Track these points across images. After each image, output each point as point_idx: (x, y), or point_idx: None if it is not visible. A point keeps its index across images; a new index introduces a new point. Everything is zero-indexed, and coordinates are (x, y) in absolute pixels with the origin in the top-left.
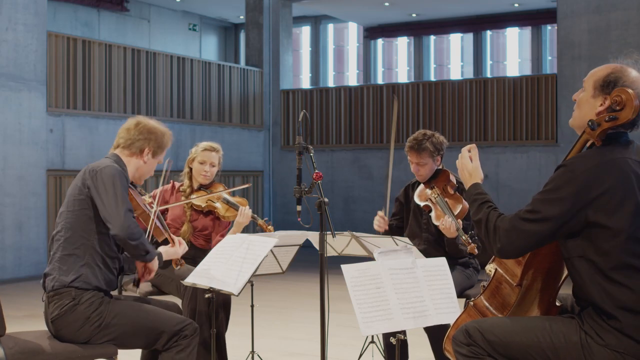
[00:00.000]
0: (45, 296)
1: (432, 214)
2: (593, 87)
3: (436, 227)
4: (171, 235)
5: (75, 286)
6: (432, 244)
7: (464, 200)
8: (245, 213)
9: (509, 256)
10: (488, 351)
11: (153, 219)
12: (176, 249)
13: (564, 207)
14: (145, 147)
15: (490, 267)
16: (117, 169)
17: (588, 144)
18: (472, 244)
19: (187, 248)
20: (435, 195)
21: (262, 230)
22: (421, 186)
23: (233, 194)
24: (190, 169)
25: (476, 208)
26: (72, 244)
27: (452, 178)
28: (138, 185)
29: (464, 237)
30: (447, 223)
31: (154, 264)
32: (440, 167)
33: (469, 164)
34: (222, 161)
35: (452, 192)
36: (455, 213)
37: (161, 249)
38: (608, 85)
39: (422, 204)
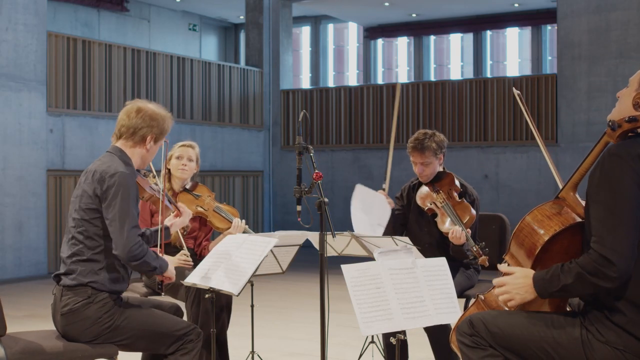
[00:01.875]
0: (57, 289)
1: (438, 219)
2: (638, 83)
3: (439, 231)
4: (177, 205)
5: (93, 286)
6: (435, 247)
7: (471, 208)
8: (239, 226)
9: (630, 268)
10: (490, 342)
11: (163, 201)
12: (183, 219)
13: (633, 195)
14: (148, 134)
15: (504, 266)
16: (125, 174)
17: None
18: (484, 256)
19: (191, 214)
20: (441, 201)
21: None
22: (424, 188)
23: (220, 200)
24: (169, 171)
25: (565, 276)
26: (90, 250)
27: (457, 182)
28: (141, 170)
29: (474, 249)
30: (457, 233)
31: (169, 272)
32: (442, 168)
33: (514, 278)
34: (200, 161)
35: (457, 197)
36: (464, 221)
37: (167, 221)
38: None
39: (425, 207)
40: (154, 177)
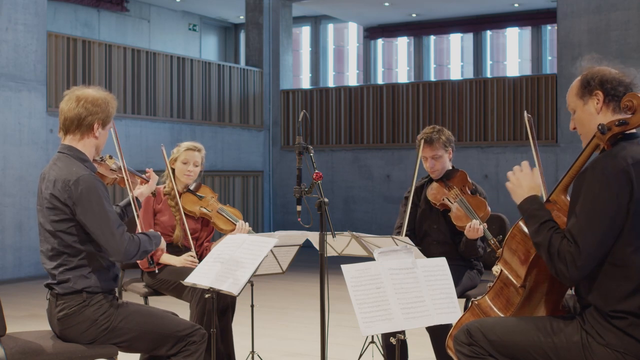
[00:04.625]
0: (51, 295)
1: (452, 214)
2: (578, 98)
3: (449, 227)
4: (142, 176)
5: (87, 291)
6: (443, 243)
7: (486, 204)
8: (243, 228)
9: (581, 279)
10: (489, 351)
11: (127, 179)
12: (150, 184)
13: (609, 213)
14: (94, 122)
15: (497, 268)
16: (88, 176)
17: (599, 150)
18: (501, 249)
19: (157, 178)
20: (455, 196)
21: None
22: (434, 184)
23: (224, 201)
24: (173, 170)
25: (536, 227)
26: (75, 257)
27: (469, 179)
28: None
29: (492, 241)
30: (475, 225)
31: (162, 244)
32: (452, 167)
33: (529, 177)
34: (204, 161)
35: (469, 193)
36: (480, 216)
37: (136, 191)
38: (588, 85)
39: (438, 202)
40: (110, 157)
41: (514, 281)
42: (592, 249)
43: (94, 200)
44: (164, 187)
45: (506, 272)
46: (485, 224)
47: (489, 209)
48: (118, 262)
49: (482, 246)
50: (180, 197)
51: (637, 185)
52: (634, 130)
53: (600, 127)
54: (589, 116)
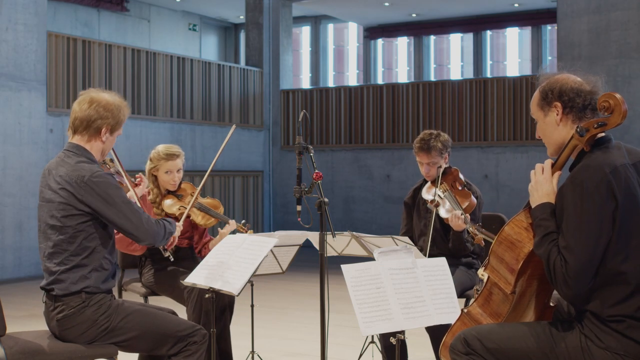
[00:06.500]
0: (47, 298)
1: (441, 209)
2: (539, 109)
3: (440, 224)
4: (132, 181)
5: (86, 291)
6: (438, 241)
7: (472, 196)
8: (233, 226)
9: (578, 297)
10: (488, 359)
11: (127, 182)
12: (140, 188)
13: (594, 228)
14: (103, 127)
15: (482, 272)
16: (101, 173)
17: (576, 150)
18: (480, 235)
19: (147, 183)
20: (444, 190)
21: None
22: (429, 184)
23: (204, 194)
24: (154, 176)
25: (539, 238)
26: (77, 256)
27: (461, 176)
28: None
29: (471, 229)
30: (457, 214)
31: (177, 231)
32: (447, 165)
33: (546, 185)
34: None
35: (460, 188)
36: (463, 207)
37: (128, 194)
38: (546, 97)
39: (429, 199)
40: (111, 160)
41: (504, 288)
42: (581, 267)
43: (114, 193)
44: (149, 195)
45: (494, 278)
46: (468, 215)
47: (475, 201)
48: (149, 245)
49: (470, 241)
50: (162, 199)
51: (619, 192)
52: (603, 134)
53: (578, 129)
54: (551, 128)
